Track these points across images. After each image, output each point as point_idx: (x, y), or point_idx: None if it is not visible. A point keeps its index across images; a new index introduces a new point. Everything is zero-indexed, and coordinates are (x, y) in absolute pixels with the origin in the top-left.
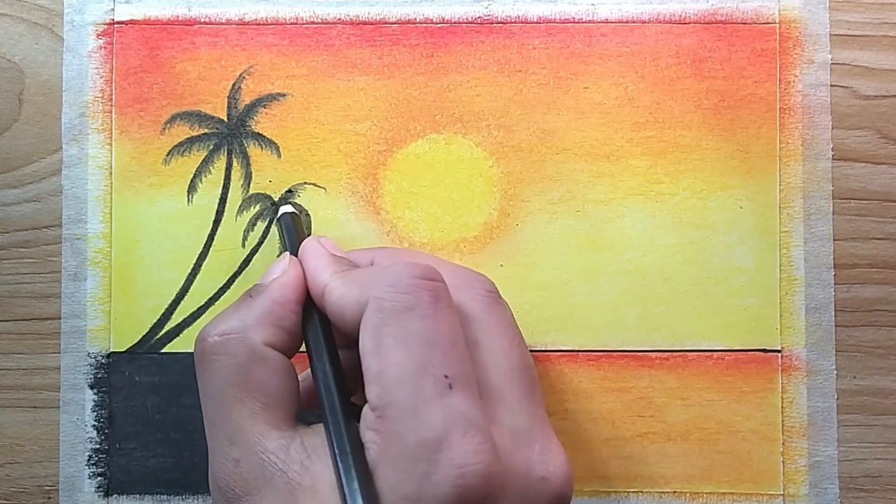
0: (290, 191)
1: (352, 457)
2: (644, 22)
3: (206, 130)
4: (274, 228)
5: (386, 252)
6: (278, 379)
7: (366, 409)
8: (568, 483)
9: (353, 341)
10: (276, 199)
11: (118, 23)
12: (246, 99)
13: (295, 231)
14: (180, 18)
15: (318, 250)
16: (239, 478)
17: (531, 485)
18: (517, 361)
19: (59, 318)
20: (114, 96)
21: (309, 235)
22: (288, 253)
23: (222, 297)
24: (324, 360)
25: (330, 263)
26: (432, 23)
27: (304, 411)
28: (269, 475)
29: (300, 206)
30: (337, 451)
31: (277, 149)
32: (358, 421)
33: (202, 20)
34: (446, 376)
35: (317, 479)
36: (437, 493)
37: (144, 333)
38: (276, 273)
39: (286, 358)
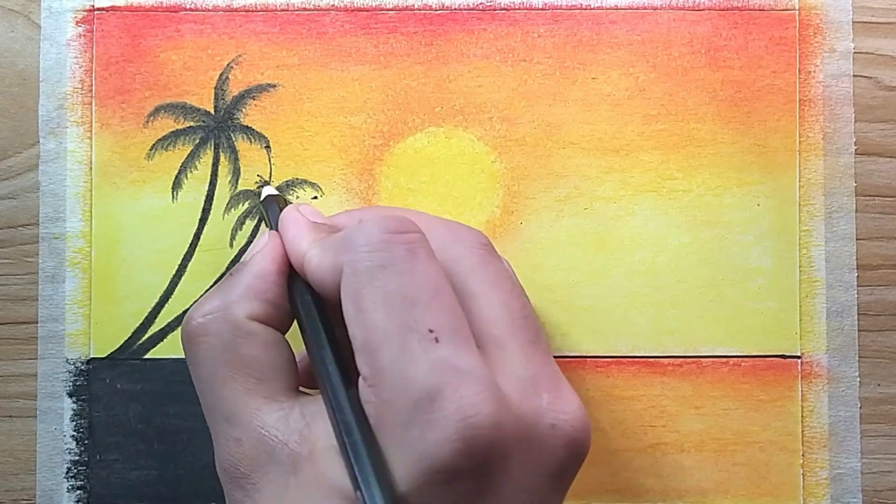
0: (266, 182)
1: (355, 425)
2: (656, 8)
3: (191, 123)
4: (263, 227)
5: (375, 210)
6: (269, 352)
7: (360, 381)
8: (582, 429)
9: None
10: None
11: (98, 9)
12: (234, 90)
13: (279, 212)
14: (164, 5)
15: (296, 219)
16: (242, 456)
17: (541, 433)
18: (518, 311)
19: (36, 322)
20: (94, 87)
21: None
22: (267, 230)
23: None
24: (314, 327)
25: (308, 231)
26: (431, 9)
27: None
28: (270, 449)
29: (283, 196)
30: (337, 421)
31: (267, 143)
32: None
33: (187, 6)
34: (431, 330)
35: (313, 445)
36: (439, 452)
37: (126, 338)
38: (257, 249)
39: (276, 331)
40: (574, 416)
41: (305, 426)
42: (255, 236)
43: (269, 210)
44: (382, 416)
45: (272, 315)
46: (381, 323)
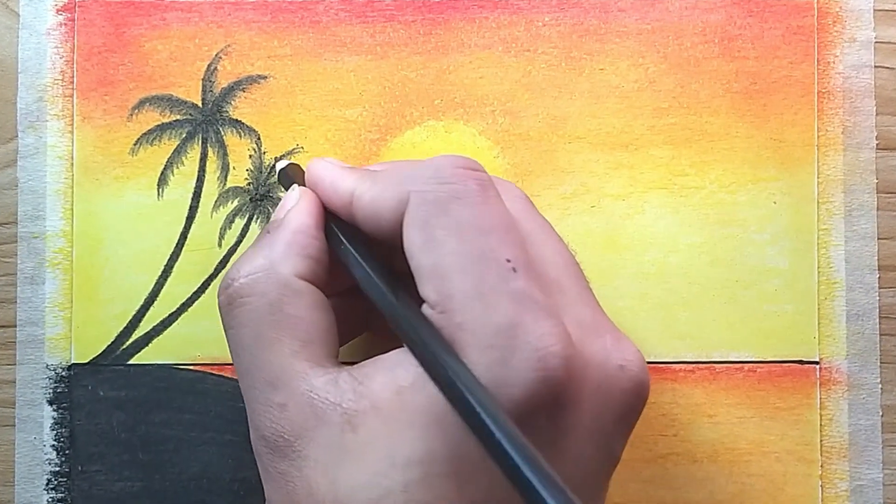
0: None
1: (438, 341)
2: None
3: (178, 117)
4: (256, 225)
5: (400, 162)
6: (315, 313)
7: (423, 308)
8: (646, 371)
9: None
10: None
11: None
12: (222, 82)
13: (301, 173)
14: None
15: (329, 166)
16: (287, 422)
17: (610, 373)
18: (569, 258)
19: (15, 326)
20: (75, 79)
21: None
22: (296, 185)
23: (196, 302)
24: (365, 260)
25: (348, 171)
26: None
27: None
28: (320, 413)
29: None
30: (418, 339)
31: (258, 137)
32: None
33: None
34: (508, 260)
35: (375, 395)
36: (519, 378)
37: (109, 343)
38: (289, 205)
39: (321, 293)
40: (637, 357)
41: (359, 384)
42: (244, 236)
43: (288, 181)
44: (456, 339)
45: (316, 272)
46: (455, 249)
